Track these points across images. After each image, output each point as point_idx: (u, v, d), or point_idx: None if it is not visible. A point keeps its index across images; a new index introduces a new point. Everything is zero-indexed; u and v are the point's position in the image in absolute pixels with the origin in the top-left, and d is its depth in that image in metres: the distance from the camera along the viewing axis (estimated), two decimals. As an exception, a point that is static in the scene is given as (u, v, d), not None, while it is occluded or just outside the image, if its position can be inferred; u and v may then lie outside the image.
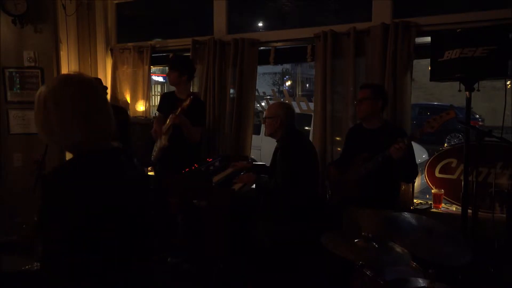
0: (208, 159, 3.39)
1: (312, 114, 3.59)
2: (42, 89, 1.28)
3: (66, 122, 1.24)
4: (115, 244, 1.30)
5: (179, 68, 3.45)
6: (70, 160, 1.30)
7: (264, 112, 3.46)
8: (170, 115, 3.24)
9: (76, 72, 1.39)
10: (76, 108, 1.25)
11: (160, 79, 12.10)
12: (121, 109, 3.83)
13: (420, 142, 6.38)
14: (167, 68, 3.52)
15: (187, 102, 3.14)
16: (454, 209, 3.13)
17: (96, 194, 1.23)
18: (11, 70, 3.50)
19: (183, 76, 3.43)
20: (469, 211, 2.65)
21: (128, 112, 4.19)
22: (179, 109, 3.16)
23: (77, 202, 1.20)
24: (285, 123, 2.91)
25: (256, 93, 3.85)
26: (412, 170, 2.69)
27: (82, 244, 1.22)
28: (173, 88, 3.54)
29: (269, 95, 5.55)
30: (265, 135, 3.10)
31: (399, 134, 2.52)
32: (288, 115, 2.93)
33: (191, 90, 3.68)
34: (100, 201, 1.24)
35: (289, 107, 3.02)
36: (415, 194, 3.31)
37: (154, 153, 3.52)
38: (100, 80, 3.88)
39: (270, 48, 3.69)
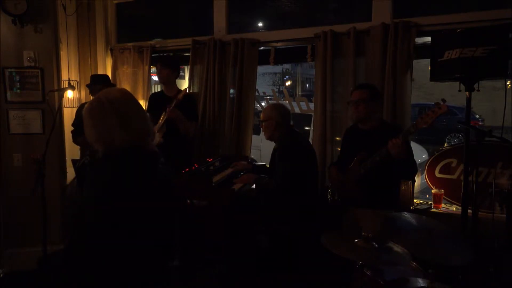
0: (208, 159, 3.39)
1: (312, 114, 3.59)
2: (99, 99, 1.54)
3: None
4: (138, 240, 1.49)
5: (170, 65, 3.56)
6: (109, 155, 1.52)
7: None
8: (164, 112, 3.32)
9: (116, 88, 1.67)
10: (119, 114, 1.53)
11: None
12: None
13: (420, 142, 6.39)
14: (157, 65, 3.59)
15: (182, 93, 3.30)
16: (454, 209, 3.13)
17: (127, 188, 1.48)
18: (11, 70, 3.50)
19: (174, 74, 3.60)
20: (469, 211, 2.65)
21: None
22: (174, 102, 3.27)
23: (111, 190, 1.46)
24: (281, 124, 2.89)
25: (256, 93, 3.85)
26: (411, 167, 2.67)
27: (109, 232, 1.44)
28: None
29: (269, 95, 5.55)
30: (265, 139, 3.08)
31: (396, 133, 2.49)
32: (283, 116, 2.90)
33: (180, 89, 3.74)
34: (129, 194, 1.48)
35: (282, 107, 2.99)
36: (415, 194, 3.30)
37: None
38: (107, 76, 3.87)
39: (270, 48, 3.69)
